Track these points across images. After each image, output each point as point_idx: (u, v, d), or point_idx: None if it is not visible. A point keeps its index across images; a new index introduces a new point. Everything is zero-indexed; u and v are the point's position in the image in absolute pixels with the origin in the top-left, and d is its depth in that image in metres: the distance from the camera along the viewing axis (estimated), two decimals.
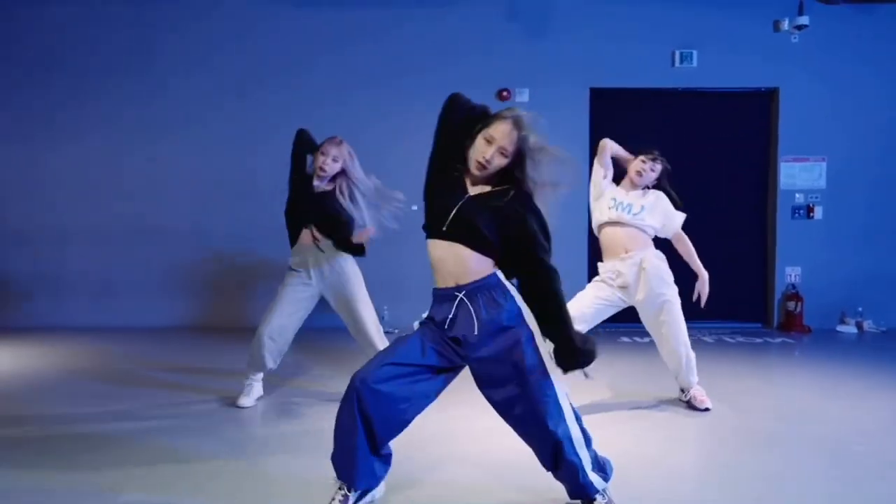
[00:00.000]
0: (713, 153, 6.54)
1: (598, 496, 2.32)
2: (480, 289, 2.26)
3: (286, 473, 2.78)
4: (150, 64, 6.38)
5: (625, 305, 3.77)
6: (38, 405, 3.75)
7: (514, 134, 2.23)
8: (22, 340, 5.60)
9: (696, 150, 6.50)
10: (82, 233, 6.40)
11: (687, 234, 6.64)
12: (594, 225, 3.91)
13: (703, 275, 3.89)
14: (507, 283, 2.31)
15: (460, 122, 2.31)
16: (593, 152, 6.08)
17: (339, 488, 2.35)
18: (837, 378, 4.49)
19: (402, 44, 6.36)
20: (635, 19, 6.34)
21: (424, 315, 2.39)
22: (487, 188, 2.31)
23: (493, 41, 6.35)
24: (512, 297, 2.29)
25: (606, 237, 3.80)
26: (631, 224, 3.73)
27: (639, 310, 3.77)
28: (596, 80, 6.38)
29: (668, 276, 3.74)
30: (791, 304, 6.33)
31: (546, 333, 2.25)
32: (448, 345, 2.29)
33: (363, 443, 2.27)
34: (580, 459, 2.28)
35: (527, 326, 2.27)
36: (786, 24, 6.26)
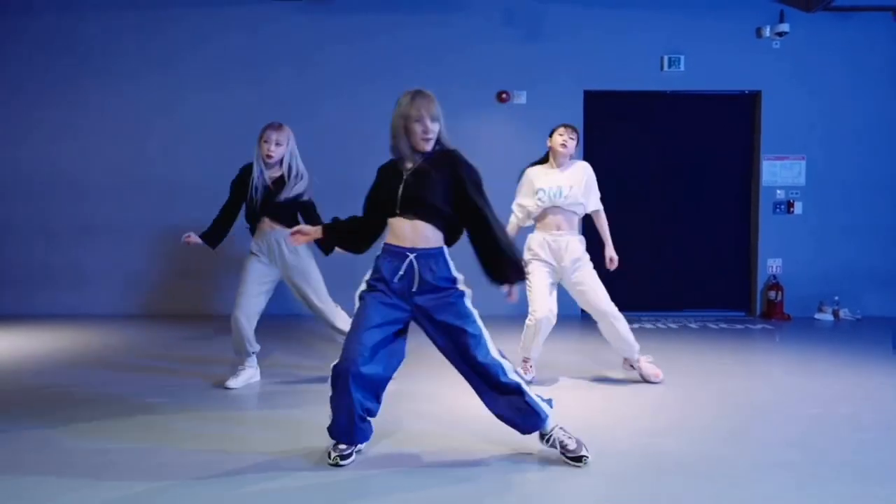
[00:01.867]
0: (700, 152, 6.94)
1: (549, 424, 2.74)
2: (427, 256, 2.71)
3: (294, 420, 3.20)
4: (168, 73, 6.77)
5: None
6: (82, 380, 4.15)
7: (429, 102, 2.72)
8: (48, 326, 6.01)
9: (683, 149, 6.92)
10: (103, 228, 6.80)
11: (675, 228, 7.08)
12: (522, 218, 4.15)
13: (611, 251, 4.24)
14: (447, 255, 2.78)
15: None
16: (587, 150, 6.55)
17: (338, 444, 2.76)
18: (810, 359, 4.87)
19: (406, 47, 6.74)
20: (626, 26, 6.73)
21: (368, 275, 2.77)
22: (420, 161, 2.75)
23: (494, 45, 6.73)
24: (450, 266, 2.76)
25: (541, 215, 4.10)
26: (562, 208, 4.05)
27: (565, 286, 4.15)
28: (590, 82, 6.77)
29: (583, 251, 4.11)
30: (772, 294, 6.73)
31: (493, 256, 2.71)
32: (395, 299, 2.70)
33: (359, 415, 2.70)
34: (518, 381, 2.70)
35: (459, 289, 2.75)
36: (767, 31, 6.66)
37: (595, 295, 4.02)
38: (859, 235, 6.84)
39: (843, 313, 6.71)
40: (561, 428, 2.79)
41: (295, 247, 3.93)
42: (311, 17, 6.74)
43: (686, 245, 6.98)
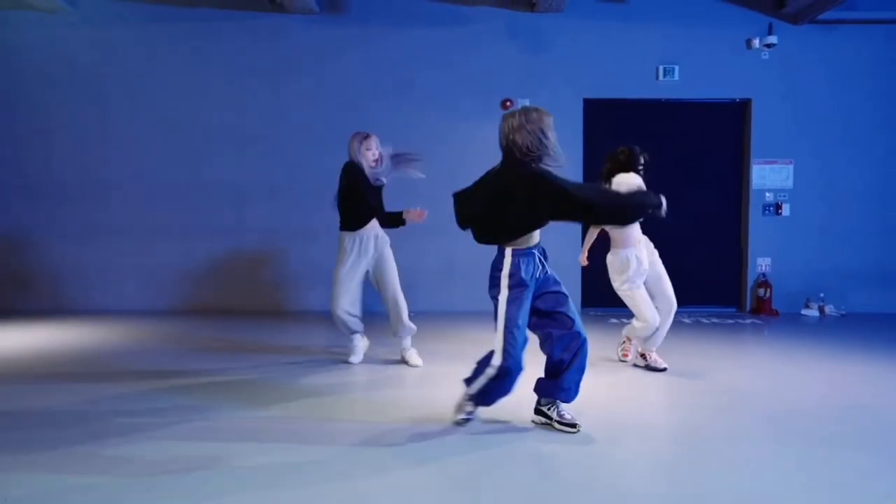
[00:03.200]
0: (693, 157, 7.32)
1: (565, 410, 3.31)
2: (541, 250, 3.24)
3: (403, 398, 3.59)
4: (190, 81, 7.13)
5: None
6: (165, 363, 4.53)
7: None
8: (98, 320, 6.38)
9: (677, 154, 7.28)
10: (138, 228, 7.17)
11: (669, 228, 7.38)
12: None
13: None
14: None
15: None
16: (586, 155, 6.94)
17: (468, 402, 3.31)
18: (794, 351, 5.26)
19: (415, 57, 7.11)
20: (624, 37, 7.11)
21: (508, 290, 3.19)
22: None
23: (498, 56, 7.10)
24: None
25: (626, 231, 4.44)
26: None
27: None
28: (589, 91, 7.15)
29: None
30: (761, 291, 7.12)
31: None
32: (529, 291, 3.15)
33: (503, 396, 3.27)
34: (587, 360, 3.21)
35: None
36: (757, 43, 7.04)
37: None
38: (844, 235, 7.22)
39: (829, 309, 7.09)
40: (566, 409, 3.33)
41: (386, 239, 4.61)
42: (325, 28, 7.09)
43: (680, 245, 7.32)
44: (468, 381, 3.27)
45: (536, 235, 3.18)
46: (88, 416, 3.49)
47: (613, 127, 7.26)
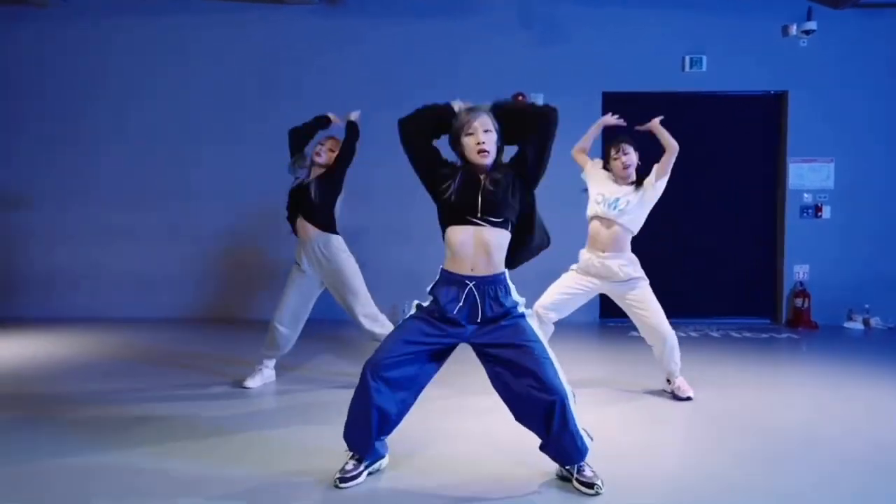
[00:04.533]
0: (723, 155, 6.74)
1: (585, 464, 2.59)
2: (489, 283, 2.56)
3: (303, 440, 3.10)
4: (183, 79, 6.79)
5: (596, 291, 4.02)
6: (85, 384, 4.13)
7: (486, 116, 2.61)
8: (68, 329, 6.03)
9: (706, 151, 6.70)
10: (122, 233, 6.83)
11: (697, 232, 6.87)
12: (587, 213, 4.07)
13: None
14: (509, 281, 2.63)
15: (424, 137, 2.79)
16: (605, 155, 6.38)
17: (352, 456, 2.66)
18: (838, 372, 4.65)
19: (422, 49, 6.66)
20: (646, 25, 6.56)
21: (426, 302, 2.65)
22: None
23: (510, 48, 6.61)
24: (511, 293, 2.62)
25: (592, 229, 3.99)
26: (615, 222, 3.89)
27: (613, 298, 4.08)
28: (608, 84, 6.60)
29: (637, 271, 3.97)
30: (799, 301, 6.51)
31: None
32: (445, 327, 2.57)
33: (374, 426, 2.58)
34: (574, 416, 2.52)
35: (522, 315, 2.60)
36: (794, 29, 6.43)
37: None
38: (891, 240, 6.57)
39: (875, 322, 6.46)
40: (587, 463, 2.64)
41: (333, 252, 4.11)
42: (325, 19, 6.69)
43: (709, 250, 6.78)
44: None
45: (461, 261, 2.58)
46: None
47: (635, 123, 6.69)
